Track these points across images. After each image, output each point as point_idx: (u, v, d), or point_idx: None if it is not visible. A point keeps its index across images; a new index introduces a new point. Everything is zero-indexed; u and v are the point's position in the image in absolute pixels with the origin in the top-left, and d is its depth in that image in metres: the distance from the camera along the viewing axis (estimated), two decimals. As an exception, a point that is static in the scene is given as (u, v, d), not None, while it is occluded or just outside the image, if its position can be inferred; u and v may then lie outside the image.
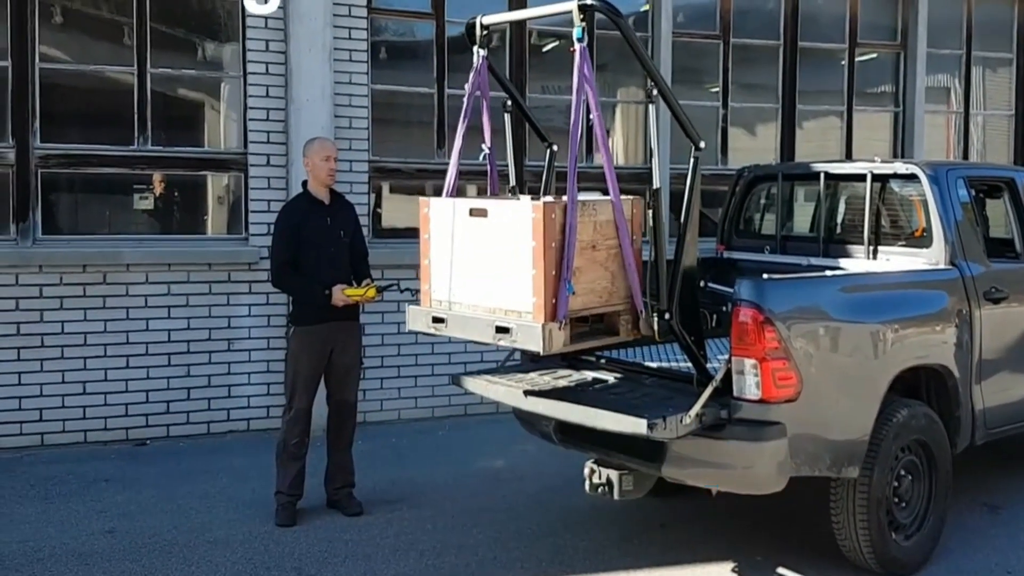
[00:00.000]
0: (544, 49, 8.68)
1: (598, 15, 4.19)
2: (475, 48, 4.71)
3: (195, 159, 7.47)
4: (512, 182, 5.16)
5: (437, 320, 4.42)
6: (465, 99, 4.71)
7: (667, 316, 4.29)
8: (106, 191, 7.43)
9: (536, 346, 3.98)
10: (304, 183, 5.65)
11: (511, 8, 8.16)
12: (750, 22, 9.22)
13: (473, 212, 4.30)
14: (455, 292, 4.36)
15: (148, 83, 7.21)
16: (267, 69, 7.38)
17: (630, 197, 4.38)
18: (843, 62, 9.62)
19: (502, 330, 4.10)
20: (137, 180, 7.34)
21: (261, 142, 7.39)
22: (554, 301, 4.01)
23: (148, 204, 7.43)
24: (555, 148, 5.11)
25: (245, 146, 7.43)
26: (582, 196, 4.23)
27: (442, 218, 4.43)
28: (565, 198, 4.11)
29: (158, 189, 7.41)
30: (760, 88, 9.43)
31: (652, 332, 4.30)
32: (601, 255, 4.20)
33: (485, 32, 4.68)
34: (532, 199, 4.26)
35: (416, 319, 4.54)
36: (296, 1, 7.30)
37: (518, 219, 4.09)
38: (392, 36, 8.29)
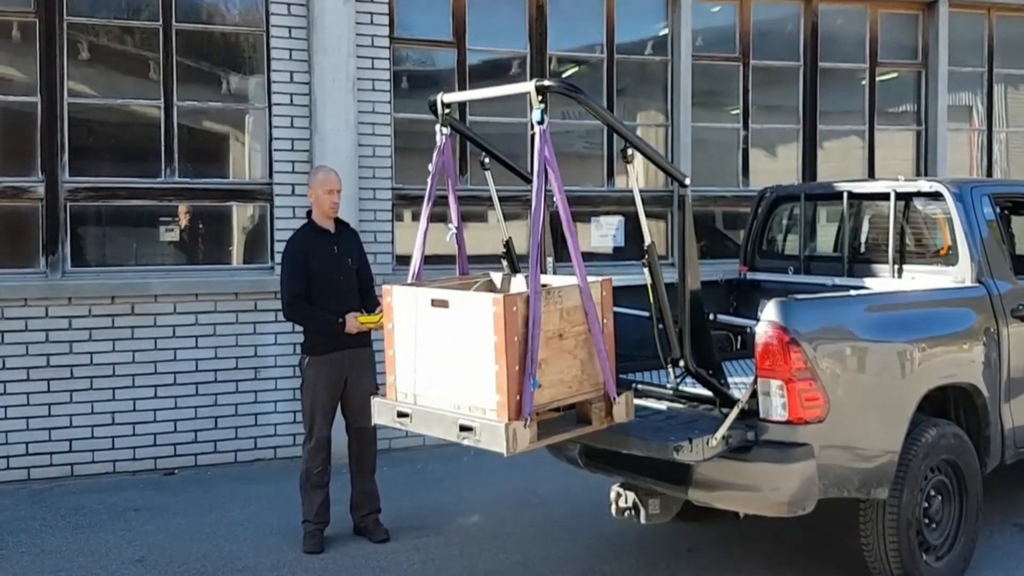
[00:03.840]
0: (564, 75, 8.74)
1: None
2: (437, 127, 4.48)
3: (221, 190, 7.56)
4: (504, 236, 5.06)
5: (402, 415, 4.22)
6: (429, 180, 4.48)
7: (681, 364, 4.25)
8: (134, 223, 7.52)
9: (500, 447, 3.78)
10: (308, 212, 5.68)
11: (530, 43, 8.25)
12: (770, 44, 9.24)
13: (435, 303, 4.08)
14: (420, 385, 4.16)
15: (175, 116, 7.32)
16: (292, 100, 7.48)
17: (599, 279, 4.17)
18: (864, 82, 9.60)
19: (466, 428, 3.90)
20: (164, 212, 7.43)
21: (286, 172, 7.48)
22: (519, 398, 3.78)
23: (175, 235, 7.51)
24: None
25: (270, 176, 7.51)
26: (548, 279, 4.06)
27: (405, 307, 4.21)
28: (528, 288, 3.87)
29: (185, 220, 7.50)
30: (781, 109, 9.42)
31: (626, 419, 4.14)
32: (569, 343, 3.99)
33: (447, 110, 4.48)
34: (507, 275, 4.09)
35: (382, 412, 4.34)
36: (320, 33, 7.40)
37: (479, 312, 3.86)
38: (414, 65, 8.37)
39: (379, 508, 5.68)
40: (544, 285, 4.02)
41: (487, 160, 5.00)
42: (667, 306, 4.22)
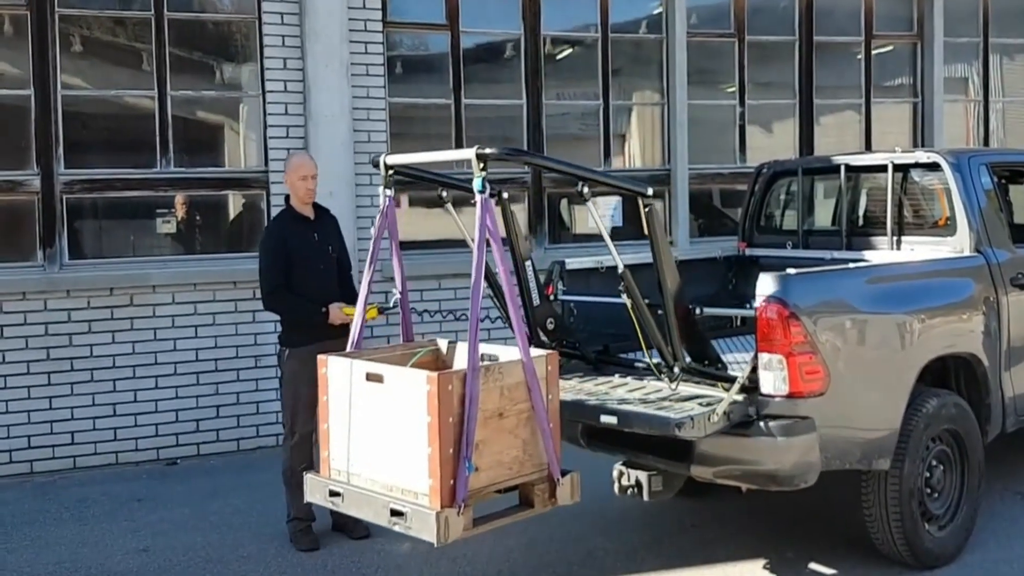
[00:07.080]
0: (558, 57, 8.70)
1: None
2: (381, 189, 4.34)
3: (217, 179, 7.54)
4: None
5: (334, 494, 4.01)
6: (371, 244, 4.36)
7: (675, 370, 4.27)
8: (130, 214, 7.50)
9: (430, 536, 3.59)
10: (286, 198, 5.53)
11: (524, 24, 8.21)
12: (764, 19, 9.20)
13: (369, 377, 3.90)
14: (354, 463, 3.96)
15: (168, 106, 7.29)
16: (285, 87, 7.45)
17: (544, 353, 4.03)
18: (859, 55, 9.57)
19: (396, 513, 3.71)
20: (160, 202, 7.41)
21: (281, 159, 7.40)
22: (452, 482, 3.60)
23: (172, 225, 7.50)
24: (504, 195, 4.68)
25: (266, 164, 7.49)
26: (487, 348, 3.95)
27: (340, 380, 4.03)
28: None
29: (181, 210, 7.48)
30: (777, 85, 9.40)
31: (571, 501, 4.05)
32: (510, 422, 3.79)
33: (391, 172, 4.35)
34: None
35: (314, 490, 4.13)
36: (313, 18, 7.36)
37: (413, 390, 3.68)
38: (407, 49, 8.34)
39: None
40: (486, 358, 3.90)
41: (444, 193, 4.87)
42: (652, 324, 4.22)
